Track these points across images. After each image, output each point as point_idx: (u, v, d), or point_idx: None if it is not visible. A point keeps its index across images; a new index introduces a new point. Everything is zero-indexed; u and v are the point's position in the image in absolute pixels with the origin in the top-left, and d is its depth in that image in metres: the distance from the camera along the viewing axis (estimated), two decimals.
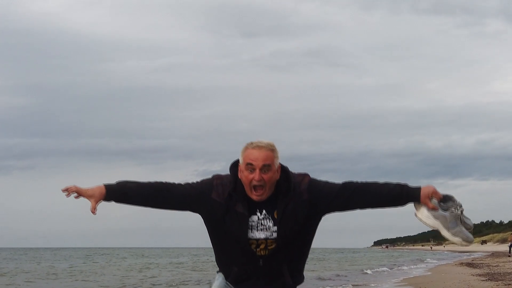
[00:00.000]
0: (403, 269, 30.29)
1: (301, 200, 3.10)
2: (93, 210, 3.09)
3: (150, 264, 41.77)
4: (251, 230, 3.10)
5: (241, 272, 3.19)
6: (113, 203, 3.18)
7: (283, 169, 3.14)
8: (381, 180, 3.18)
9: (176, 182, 3.22)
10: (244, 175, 3.07)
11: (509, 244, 44.76)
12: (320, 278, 22.42)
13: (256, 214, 3.10)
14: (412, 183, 3.17)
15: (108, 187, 3.13)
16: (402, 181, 3.17)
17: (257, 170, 3.03)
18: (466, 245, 3.16)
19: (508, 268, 23.90)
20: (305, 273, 3.36)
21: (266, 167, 3.04)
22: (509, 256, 41.70)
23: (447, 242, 3.49)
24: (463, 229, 3.14)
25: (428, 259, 47.37)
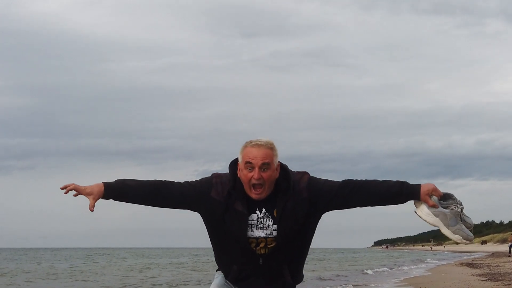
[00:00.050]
0: (403, 269, 30.26)
1: (301, 198, 3.09)
2: (91, 208, 3.08)
3: (151, 264, 41.72)
4: (251, 228, 3.09)
5: (241, 270, 3.18)
6: (112, 201, 3.17)
7: (283, 167, 3.13)
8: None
9: (175, 180, 3.21)
10: (243, 173, 3.06)
11: (509, 244, 44.72)
12: (320, 278, 22.40)
13: (255, 213, 3.10)
14: (412, 183, 3.14)
15: (106, 185, 3.12)
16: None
17: (256, 169, 3.02)
18: (466, 243, 3.15)
19: (508, 268, 23.87)
20: (305, 273, 3.37)
21: (265, 166, 3.03)
22: (509, 256, 41.67)
23: (447, 242, 3.49)
24: (463, 227, 3.13)
25: (428, 259, 47.35)
